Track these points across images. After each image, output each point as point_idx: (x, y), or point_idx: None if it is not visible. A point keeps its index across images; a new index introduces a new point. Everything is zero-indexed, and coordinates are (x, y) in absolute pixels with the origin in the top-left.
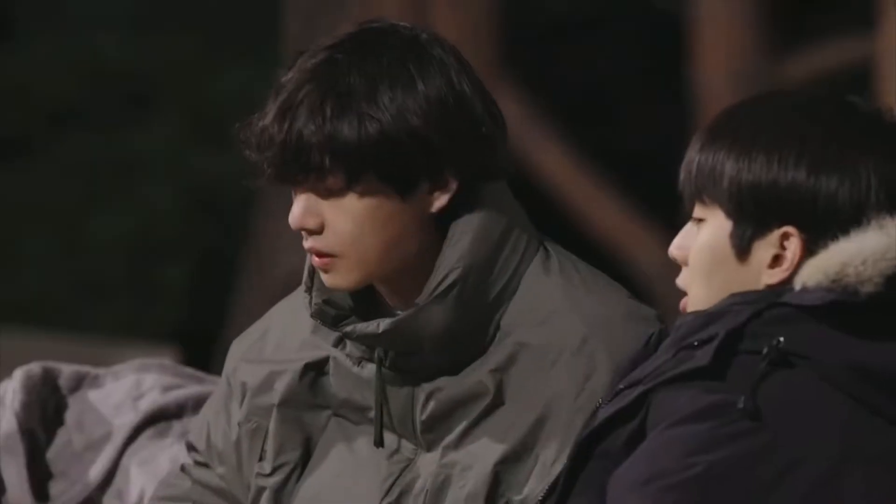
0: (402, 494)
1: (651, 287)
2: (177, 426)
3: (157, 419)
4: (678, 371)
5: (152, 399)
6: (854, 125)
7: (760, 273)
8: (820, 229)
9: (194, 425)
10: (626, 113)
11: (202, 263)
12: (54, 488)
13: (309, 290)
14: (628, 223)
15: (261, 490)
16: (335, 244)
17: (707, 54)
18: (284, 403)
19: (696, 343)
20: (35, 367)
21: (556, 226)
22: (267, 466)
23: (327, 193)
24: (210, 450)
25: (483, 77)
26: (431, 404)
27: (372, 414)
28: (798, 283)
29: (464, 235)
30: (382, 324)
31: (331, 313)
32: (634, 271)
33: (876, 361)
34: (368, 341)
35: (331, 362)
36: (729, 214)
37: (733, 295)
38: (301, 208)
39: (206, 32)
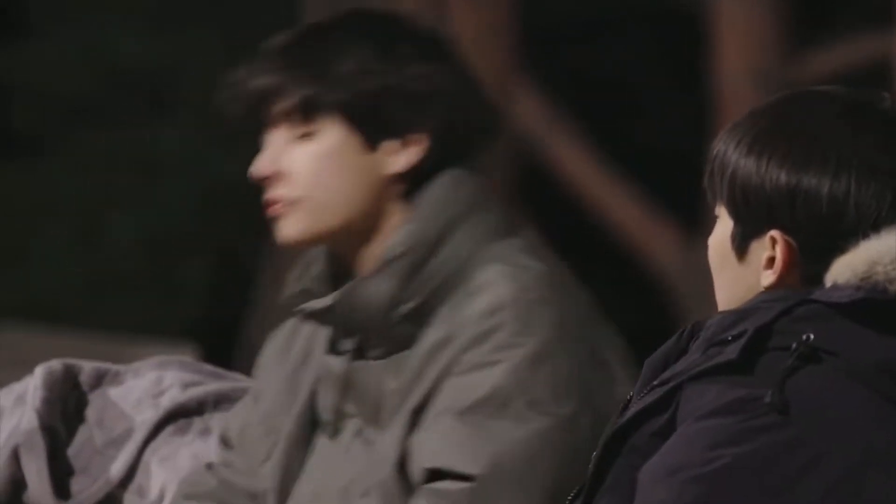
0: (368, 487)
1: (670, 286)
2: (197, 423)
3: (178, 416)
4: (707, 365)
5: (172, 396)
6: (856, 124)
7: (759, 273)
8: (807, 232)
9: (231, 417)
10: (645, 111)
11: (221, 260)
12: (75, 485)
13: (297, 280)
14: (648, 222)
15: (266, 491)
16: (294, 189)
17: (726, 52)
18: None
19: (728, 339)
20: (56, 365)
21: (575, 224)
22: (269, 467)
23: (295, 137)
24: (242, 443)
25: (502, 74)
26: (388, 397)
27: (349, 410)
28: (829, 281)
29: (418, 212)
30: (329, 298)
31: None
32: (654, 270)
33: None
34: (320, 317)
35: (323, 364)
36: (730, 214)
37: (763, 292)
38: (264, 157)
39: (223, 29)
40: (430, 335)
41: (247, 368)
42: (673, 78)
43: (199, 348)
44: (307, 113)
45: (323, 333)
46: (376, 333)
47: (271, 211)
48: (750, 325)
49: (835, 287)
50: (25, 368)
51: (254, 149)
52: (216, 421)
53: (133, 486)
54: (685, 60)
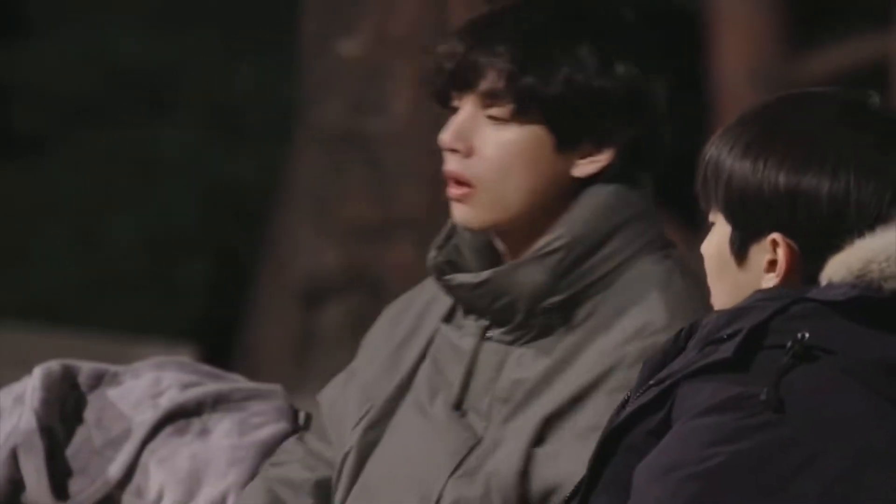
0: (470, 470)
1: None
2: (196, 423)
3: (176, 416)
4: (702, 363)
5: (171, 396)
6: (851, 125)
7: (760, 277)
8: (807, 233)
9: (326, 390)
10: None
11: (220, 261)
12: (73, 485)
13: (438, 248)
14: None
15: (346, 454)
16: (479, 173)
17: (725, 52)
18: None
19: (724, 337)
20: (55, 365)
21: None
22: (357, 429)
23: (486, 116)
24: (331, 415)
25: None
26: (511, 386)
27: (453, 387)
28: (824, 279)
29: (584, 209)
30: (481, 275)
31: (446, 270)
32: None
33: None
34: (464, 292)
35: (435, 339)
36: (727, 220)
37: (758, 291)
38: (456, 128)
39: (223, 30)
40: (572, 338)
41: (245, 369)
42: (672, 78)
43: (199, 348)
44: (516, 102)
45: (438, 310)
46: (516, 319)
47: (451, 187)
48: (745, 323)
49: (830, 285)
50: (25, 368)
51: (252, 150)
52: (214, 421)
53: (131, 487)
54: (684, 61)
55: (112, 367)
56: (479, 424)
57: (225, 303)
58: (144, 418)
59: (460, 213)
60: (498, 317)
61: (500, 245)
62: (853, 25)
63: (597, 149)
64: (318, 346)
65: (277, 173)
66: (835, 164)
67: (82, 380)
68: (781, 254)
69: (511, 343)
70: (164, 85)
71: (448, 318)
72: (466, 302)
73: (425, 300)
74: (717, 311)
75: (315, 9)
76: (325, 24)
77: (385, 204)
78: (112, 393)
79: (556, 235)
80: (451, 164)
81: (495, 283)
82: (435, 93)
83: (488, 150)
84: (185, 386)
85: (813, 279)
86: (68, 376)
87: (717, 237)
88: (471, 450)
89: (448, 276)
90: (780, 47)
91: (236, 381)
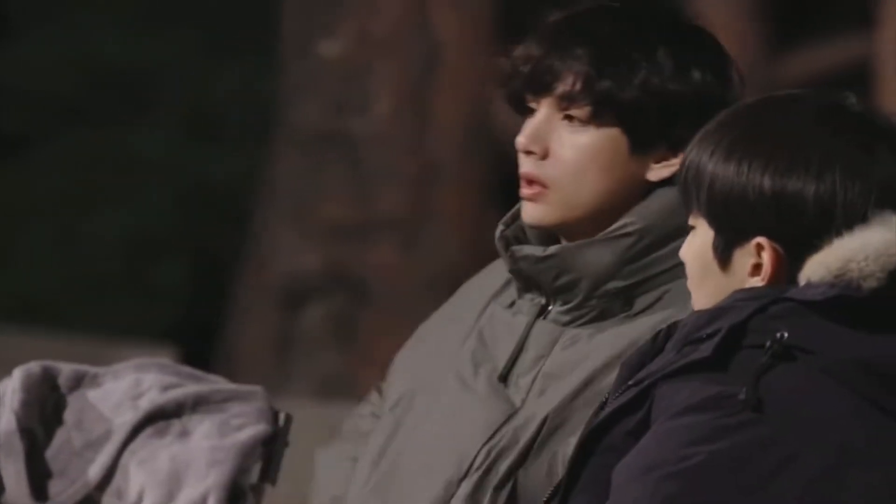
0: (503, 443)
1: None
2: (176, 425)
3: (156, 418)
4: (681, 363)
5: (151, 398)
6: (832, 126)
7: (744, 281)
8: (793, 236)
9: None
10: None
11: (201, 262)
12: (53, 487)
13: (506, 224)
14: None
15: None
16: (554, 174)
17: None
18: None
19: (703, 337)
20: (34, 367)
21: None
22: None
23: (564, 122)
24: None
25: (480, 77)
26: (562, 361)
27: (498, 360)
28: (802, 279)
29: (655, 202)
30: (548, 249)
31: (512, 243)
32: None
33: (879, 356)
34: (528, 264)
35: (484, 317)
36: (710, 224)
37: (738, 291)
38: (532, 131)
39: (206, 30)
40: (633, 326)
41: (226, 370)
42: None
43: (178, 350)
44: (592, 106)
45: (486, 292)
46: (576, 299)
47: (523, 187)
48: (724, 323)
49: (808, 285)
50: (5, 369)
51: (235, 150)
52: (195, 423)
53: (111, 489)
54: None
55: (92, 369)
56: (517, 397)
57: (205, 304)
58: (124, 420)
59: (530, 211)
60: (557, 294)
61: (563, 241)
62: (835, 26)
63: (671, 152)
64: (299, 346)
65: (259, 174)
66: (820, 165)
67: (62, 381)
68: (766, 257)
69: (566, 324)
70: (145, 86)
71: (499, 296)
72: (529, 275)
73: (476, 285)
74: (697, 311)
75: (296, 10)
76: (305, 25)
77: (366, 204)
78: (92, 394)
79: (628, 220)
80: (526, 165)
81: (561, 259)
82: (510, 96)
83: (565, 153)
84: (166, 387)
85: (795, 280)
86: (48, 378)
87: (700, 241)
88: (507, 419)
89: (515, 247)
90: (761, 49)
91: (216, 383)
